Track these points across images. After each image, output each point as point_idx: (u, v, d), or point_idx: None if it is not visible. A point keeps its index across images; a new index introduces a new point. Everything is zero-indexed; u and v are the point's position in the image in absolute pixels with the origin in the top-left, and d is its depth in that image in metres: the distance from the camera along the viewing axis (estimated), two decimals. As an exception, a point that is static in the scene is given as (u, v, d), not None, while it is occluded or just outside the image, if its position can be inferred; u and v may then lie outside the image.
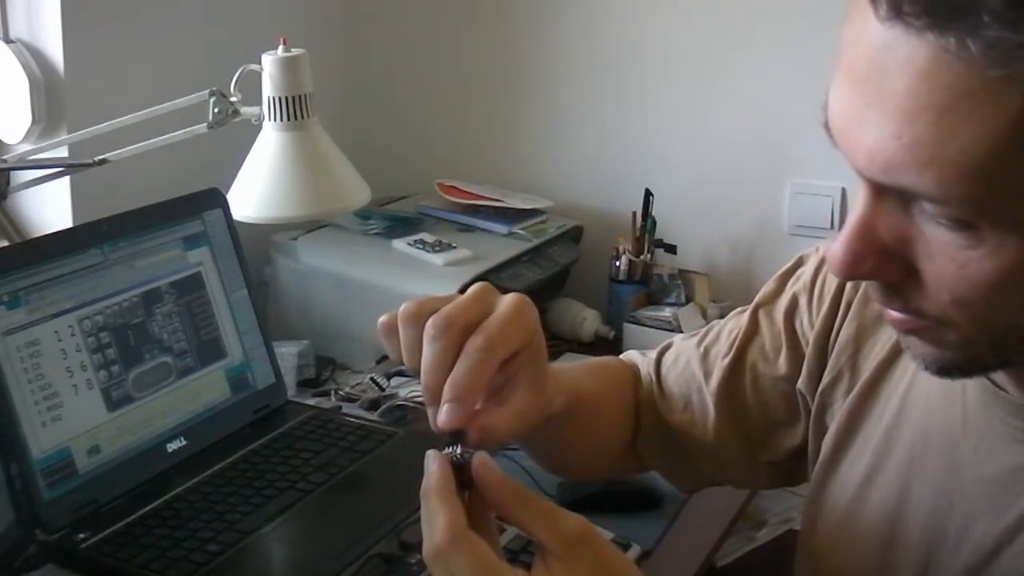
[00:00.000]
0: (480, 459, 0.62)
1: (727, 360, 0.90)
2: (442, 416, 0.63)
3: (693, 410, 0.91)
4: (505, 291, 0.70)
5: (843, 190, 1.80)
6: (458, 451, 0.63)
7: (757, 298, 0.92)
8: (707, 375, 0.91)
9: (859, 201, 0.59)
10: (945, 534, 0.71)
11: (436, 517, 0.60)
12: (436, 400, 0.64)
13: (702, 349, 0.93)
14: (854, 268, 0.60)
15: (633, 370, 0.97)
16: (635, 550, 1.15)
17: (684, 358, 0.94)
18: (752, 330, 0.90)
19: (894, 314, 0.62)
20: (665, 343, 0.98)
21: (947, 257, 0.56)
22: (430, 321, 0.65)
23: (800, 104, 1.78)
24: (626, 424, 0.94)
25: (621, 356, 1.00)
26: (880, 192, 0.57)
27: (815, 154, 1.81)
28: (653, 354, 0.97)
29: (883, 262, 0.59)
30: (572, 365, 0.91)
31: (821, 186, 1.81)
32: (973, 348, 0.61)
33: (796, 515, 1.63)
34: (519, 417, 0.69)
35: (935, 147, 0.52)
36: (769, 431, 0.90)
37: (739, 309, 0.94)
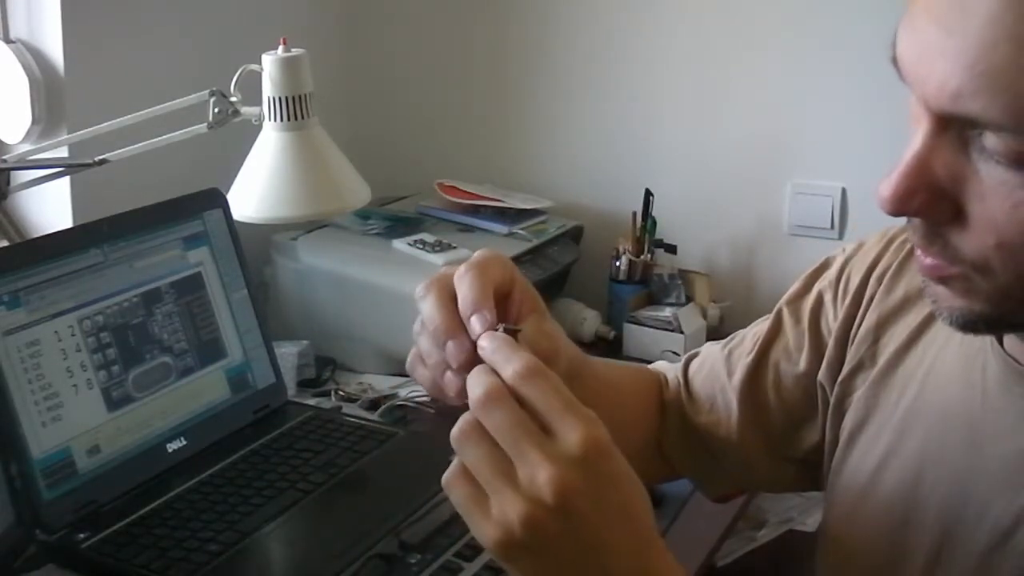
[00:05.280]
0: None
1: (750, 358, 0.91)
2: (475, 327, 0.65)
3: (718, 410, 0.92)
4: None
5: (843, 190, 1.80)
6: (503, 327, 0.65)
7: (782, 299, 0.92)
8: (730, 374, 0.92)
9: (916, 138, 0.59)
10: (962, 514, 0.71)
11: (515, 356, 0.61)
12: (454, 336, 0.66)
13: (727, 351, 0.94)
14: (904, 203, 0.60)
15: (659, 375, 0.98)
16: (635, 550, 1.15)
17: (710, 361, 0.95)
18: (775, 330, 0.91)
19: (928, 260, 0.62)
20: (693, 351, 0.99)
21: (1000, 197, 0.57)
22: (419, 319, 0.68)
23: (800, 104, 1.81)
24: (649, 422, 0.95)
25: (649, 366, 1.01)
26: (942, 127, 0.58)
27: (815, 154, 1.81)
28: (682, 360, 0.99)
29: (933, 199, 0.59)
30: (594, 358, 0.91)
31: (821, 186, 1.81)
32: (1005, 302, 0.61)
33: (796, 515, 1.63)
34: (541, 334, 0.69)
35: (1011, 75, 0.53)
36: (791, 429, 0.90)
37: (764, 317, 0.95)
